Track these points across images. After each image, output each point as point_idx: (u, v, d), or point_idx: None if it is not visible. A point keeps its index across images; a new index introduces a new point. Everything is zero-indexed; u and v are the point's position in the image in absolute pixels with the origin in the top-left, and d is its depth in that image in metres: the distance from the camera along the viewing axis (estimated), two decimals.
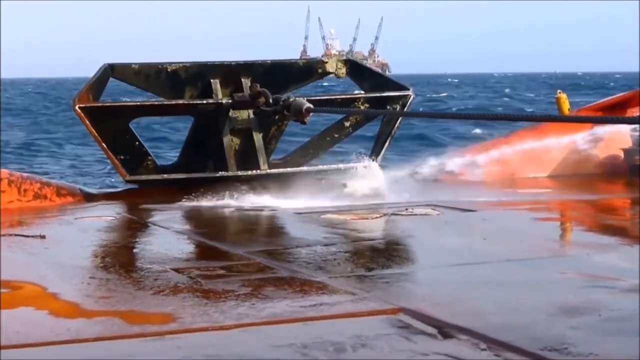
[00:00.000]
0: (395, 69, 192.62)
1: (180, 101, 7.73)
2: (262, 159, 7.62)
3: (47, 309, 3.63)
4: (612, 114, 8.56)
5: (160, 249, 5.30)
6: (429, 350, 2.97)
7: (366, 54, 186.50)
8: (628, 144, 8.69)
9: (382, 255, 4.96)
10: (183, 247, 5.42)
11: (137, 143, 7.54)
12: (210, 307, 3.57)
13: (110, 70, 7.56)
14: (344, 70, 8.18)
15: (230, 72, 7.79)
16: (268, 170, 7.64)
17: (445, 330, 3.16)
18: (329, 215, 6.31)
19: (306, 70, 8.23)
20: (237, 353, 2.99)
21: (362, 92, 8.28)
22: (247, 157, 7.64)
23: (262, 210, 6.72)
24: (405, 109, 8.07)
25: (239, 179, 7.51)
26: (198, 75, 7.75)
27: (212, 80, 7.70)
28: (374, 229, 5.98)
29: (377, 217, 6.27)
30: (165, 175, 7.50)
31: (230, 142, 7.61)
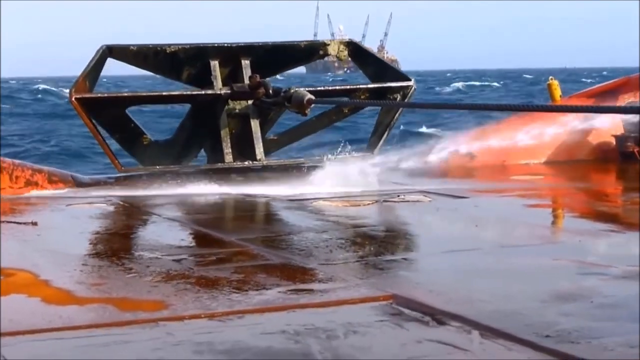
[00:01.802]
0: (405, 65, 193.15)
1: (178, 92, 7.75)
2: (258, 149, 7.59)
3: (39, 296, 3.62)
4: (605, 101, 8.58)
5: (153, 236, 5.30)
6: (421, 337, 2.97)
7: (375, 50, 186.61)
8: (620, 130, 8.71)
9: (374, 242, 4.96)
10: (175, 234, 5.41)
11: (132, 125, 7.60)
12: (203, 294, 3.57)
13: (108, 52, 7.53)
14: (345, 52, 8.16)
15: (230, 54, 7.75)
16: (264, 162, 7.62)
17: (437, 317, 3.16)
18: (320, 202, 6.31)
19: (307, 52, 8.20)
20: (229, 340, 2.98)
21: (365, 79, 8.29)
22: (243, 144, 7.61)
23: (254, 197, 6.71)
24: (406, 100, 8.02)
25: (235, 169, 7.50)
26: (197, 56, 7.71)
27: (211, 62, 7.67)
28: (366, 215, 5.97)
29: (369, 204, 6.27)
30: (160, 167, 7.47)
31: (227, 130, 7.58)
